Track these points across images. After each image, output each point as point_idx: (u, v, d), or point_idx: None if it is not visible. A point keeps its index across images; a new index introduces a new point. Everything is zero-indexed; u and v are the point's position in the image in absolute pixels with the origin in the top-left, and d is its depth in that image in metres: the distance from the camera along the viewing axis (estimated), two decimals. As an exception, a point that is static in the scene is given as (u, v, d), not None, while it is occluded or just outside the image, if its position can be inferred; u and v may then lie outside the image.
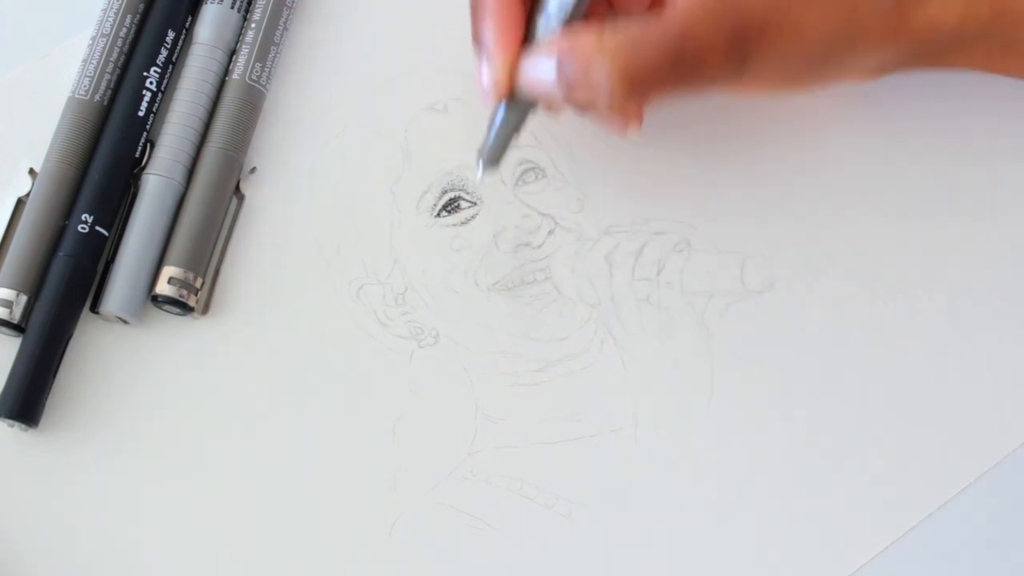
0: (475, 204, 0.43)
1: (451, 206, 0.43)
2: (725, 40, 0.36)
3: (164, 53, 0.44)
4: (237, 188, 0.43)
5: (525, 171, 0.44)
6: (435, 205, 0.43)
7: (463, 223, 0.43)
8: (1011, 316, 0.42)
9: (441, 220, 0.43)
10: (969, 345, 0.42)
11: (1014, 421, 0.41)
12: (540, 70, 0.37)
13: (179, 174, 0.43)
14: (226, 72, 0.44)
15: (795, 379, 0.42)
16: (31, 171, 0.43)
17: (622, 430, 0.41)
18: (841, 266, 0.43)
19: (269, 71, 0.44)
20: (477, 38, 0.38)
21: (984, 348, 0.42)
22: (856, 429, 0.41)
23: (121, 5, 0.44)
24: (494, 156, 0.40)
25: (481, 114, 0.41)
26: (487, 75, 0.38)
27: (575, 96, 0.37)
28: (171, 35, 0.44)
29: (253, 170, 0.44)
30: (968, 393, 0.42)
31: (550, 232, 0.43)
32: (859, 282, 0.43)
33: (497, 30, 0.38)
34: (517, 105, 0.39)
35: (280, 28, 0.45)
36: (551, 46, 0.37)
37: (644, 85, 0.36)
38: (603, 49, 0.36)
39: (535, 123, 0.44)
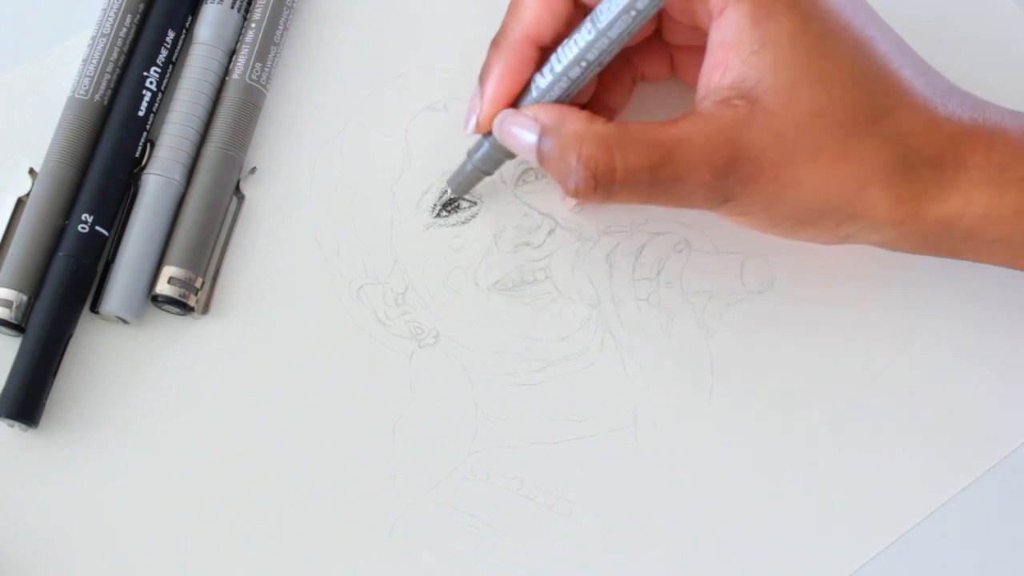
0: (475, 204, 0.43)
1: (451, 206, 0.43)
2: (713, 172, 0.35)
3: (164, 53, 0.44)
4: (237, 188, 0.43)
5: (525, 171, 0.44)
6: (435, 205, 0.43)
7: (463, 223, 0.43)
8: (1015, 311, 0.42)
9: (441, 220, 0.43)
10: (971, 344, 0.42)
11: (1015, 420, 0.41)
12: (523, 130, 0.38)
13: (179, 174, 0.43)
14: (226, 72, 0.44)
15: (794, 378, 0.42)
16: (31, 171, 0.43)
17: (622, 430, 0.41)
18: (841, 266, 0.43)
19: (269, 71, 0.44)
20: (482, 77, 0.39)
21: (987, 346, 0.42)
22: (856, 428, 0.41)
23: (121, 5, 0.44)
24: (462, 188, 0.42)
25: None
26: (474, 108, 0.39)
27: (546, 169, 0.37)
28: (171, 35, 0.44)
29: (253, 170, 0.44)
30: (969, 392, 0.42)
31: (550, 232, 0.43)
32: (858, 282, 0.43)
33: (499, 78, 0.38)
34: (496, 148, 0.40)
35: (280, 28, 0.45)
36: (539, 113, 0.37)
37: (612, 187, 0.36)
38: (583, 141, 0.36)
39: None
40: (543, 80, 0.38)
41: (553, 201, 0.44)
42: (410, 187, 0.44)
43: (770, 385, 0.42)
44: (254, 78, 0.44)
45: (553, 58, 0.38)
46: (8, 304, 0.40)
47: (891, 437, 0.41)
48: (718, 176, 0.35)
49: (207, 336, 0.42)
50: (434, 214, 0.43)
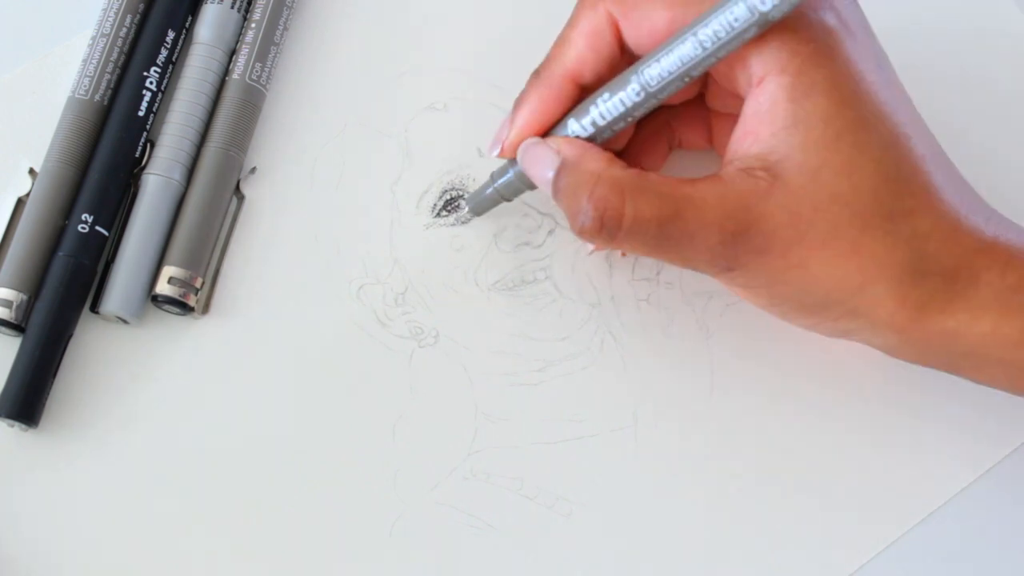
0: (475, 204, 0.43)
1: (451, 206, 0.43)
2: (722, 237, 0.35)
3: (164, 53, 0.44)
4: (237, 188, 0.43)
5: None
6: (435, 205, 0.43)
7: (463, 223, 0.43)
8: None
9: (441, 220, 0.43)
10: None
11: (1015, 420, 0.41)
12: (543, 160, 0.37)
13: (179, 174, 0.43)
14: (226, 72, 0.44)
15: (794, 378, 0.42)
16: (31, 171, 0.43)
17: (622, 430, 0.41)
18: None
19: (269, 71, 0.44)
20: (516, 104, 0.39)
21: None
22: (856, 428, 0.41)
23: (121, 5, 0.44)
24: (479, 209, 0.42)
25: (480, 114, 0.42)
26: (503, 134, 0.39)
27: (559, 204, 0.37)
28: (171, 35, 0.44)
29: (253, 170, 0.44)
30: (970, 392, 0.42)
31: (550, 232, 0.43)
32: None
33: (532, 109, 0.38)
34: (519, 178, 0.40)
35: (280, 28, 0.45)
36: (563, 147, 0.37)
37: (618, 233, 0.35)
38: (598, 181, 0.36)
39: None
40: (576, 126, 0.38)
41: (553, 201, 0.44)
42: (410, 187, 0.44)
43: (770, 385, 0.42)
44: (254, 78, 0.44)
45: (594, 109, 0.37)
46: (8, 304, 0.40)
47: (891, 436, 0.41)
48: (726, 243, 0.35)
49: (207, 336, 0.42)
50: (434, 214, 0.43)
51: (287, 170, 0.44)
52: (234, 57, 0.44)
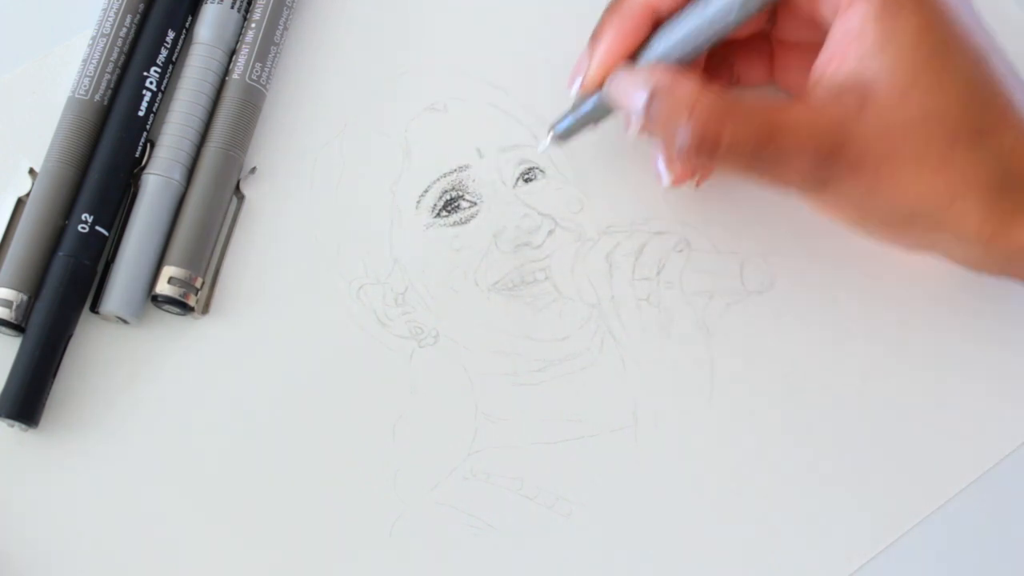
0: (475, 204, 0.43)
1: (451, 206, 0.43)
2: (816, 154, 0.36)
3: (164, 53, 0.44)
4: (237, 188, 0.43)
5: (526, 170, 0.44)
6: (435, 205, 0.43)
7: (463, 223, 0.43)
8: (1015, 311, 0.42)
9: (441, 220, 0.43)
10: (970, 343, 0.42)
11: (1015, 420, 0.41)
12: (633, 90, 0.38)
13: (179, 174, 0.43)
14: (226, 72, 0.44)
15: (794, 379, 0.42)
16: (31, 171, 0.43)
17: (622, 430, 0.41)
18: (840, 265, 0.43)
19: (269, 71, 0.44)
20: (593, 38, 0.40)
21: (986, 346, 0.42)
22: (856, 428, 0.41)
23: (121, 5, 0.44)
24: (567, 135, 0.42)
25: (480, 114, 0.42)
26: (581, 68, 0.40)
27: (652, 130, 0.38)
28: (171, 35, 0.44)
29: (253, 170, 0.44)
30: (969, 392, 0.42)
31: (550, 232, 0.43)
32: (858, 282, 0.43)
33: (612, 41, 0.39)
34: (605, 102, 0.40)
35: (280, 28, 0.45)
36: (653, 75, 0.38)
37: (717, 154, 0.36)
38: (696, 104, 0.36)
39: (534, 122, 0.44)
40: (663, 49, 0.38)
41: (553, 201, 0.44)
42: (410, 187, 0.44)
43: (770, 385, 0.42)
44: (254, 78, 0.44)
45: (671, 32, 0.38)
46: (8, 304, 0.40)
47: (891, 436, 0.41)
48: (820, 164, 0.36)
49: (207, 336, 0.42)
50: (434, 214, 0.43)
51: (287, 170, 0.44)
52: (234, 57, 0.44)
